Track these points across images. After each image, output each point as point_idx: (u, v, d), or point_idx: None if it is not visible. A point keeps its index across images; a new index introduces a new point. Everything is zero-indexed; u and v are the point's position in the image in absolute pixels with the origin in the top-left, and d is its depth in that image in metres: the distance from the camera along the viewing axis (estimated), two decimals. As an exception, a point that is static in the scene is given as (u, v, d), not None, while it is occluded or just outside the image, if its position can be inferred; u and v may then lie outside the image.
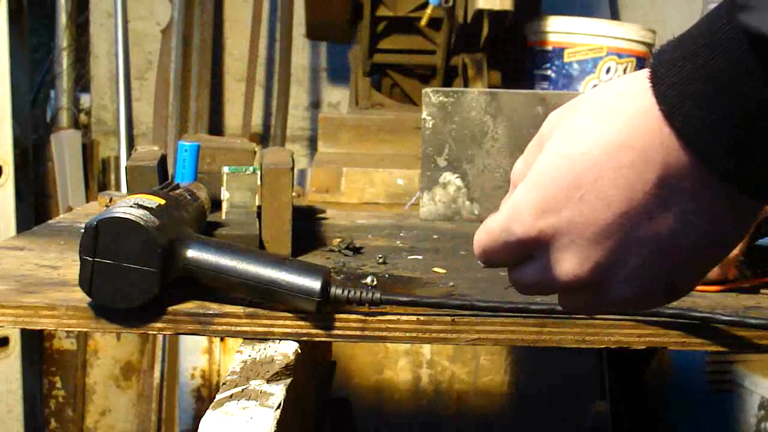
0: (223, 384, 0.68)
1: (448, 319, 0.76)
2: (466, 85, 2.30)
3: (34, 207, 2.57)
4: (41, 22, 3.37)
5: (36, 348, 2.59)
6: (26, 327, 0.75)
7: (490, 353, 1.88)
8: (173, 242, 0.73)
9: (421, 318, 0.76)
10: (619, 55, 2.23)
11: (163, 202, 0.77)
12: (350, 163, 1.94)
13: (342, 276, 0.88)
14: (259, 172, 0.95)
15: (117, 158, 2.91)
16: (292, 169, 0.96)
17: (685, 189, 0.48)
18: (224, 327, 0.76)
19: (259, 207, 0.95)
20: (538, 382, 1.89)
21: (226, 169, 0.95)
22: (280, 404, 0.65)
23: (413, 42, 2.31)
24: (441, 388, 1.89)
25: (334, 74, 2.94)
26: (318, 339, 0.77)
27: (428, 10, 2.21)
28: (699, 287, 0.87)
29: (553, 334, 0.77)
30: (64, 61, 2.99)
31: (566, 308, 0.58)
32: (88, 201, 2.75)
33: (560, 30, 2.24)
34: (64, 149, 2.82)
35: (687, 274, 0.53)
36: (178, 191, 0.85)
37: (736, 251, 0.88)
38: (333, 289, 0.74)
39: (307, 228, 1.11)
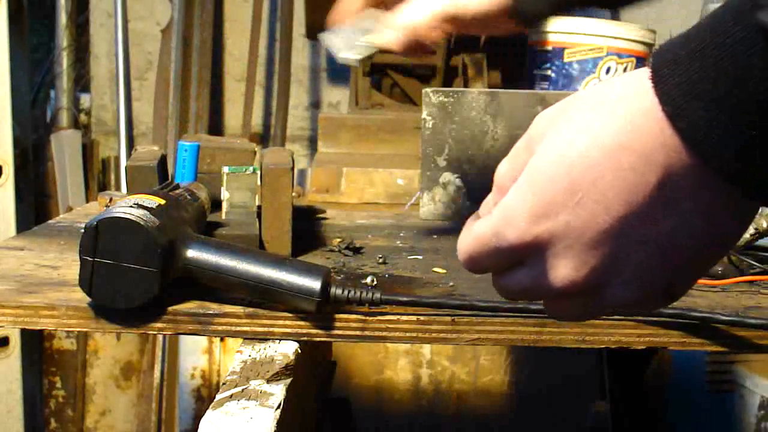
0: (223, 384, 0.68)
1: (448, 319, 0.76)
2: (466, 85, 2.30)
3: (34, 207, 2.57)
4: (41, 22, 3.37)
5: (36, 348, 2.59)
6: (26, 327, 0.75)
7: (490, 353, 1.88)
8: (173, 242, 0.73)
9: (421, 318, 0.76)
10: (619, 55, 2.23)
11: (163, 202, 0.77)
12: (350, 163, 1.94)
13: (342, 276, 0.88)
14: (259, 172, 0.95)
15: (117, 158, 2.91)
16: (292, 169, 0.96)
17: (686, 191, 0.48)
18: (224, 327, 0.76)
19: (259, 207, 0.95)
20: (538, 382, 1.89)
21: (226, 169, 0.95)
22: (280, 404, 0.65)
23: (413, 42, 2.31)
24: (441, 388, 1.89)
25: (334, 74, 2.94)
26: (318, 339, 0.77)
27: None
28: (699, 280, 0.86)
29: (553, 334, 0.77)
30: (64, 61, 2.99)
31: (555, 316, 0.56)
32: (88, 201, 2.75)
33: (560, 30, 2.24)
34: (64, 149, 2.82)
35: (684, 276, 0.52)
36: (178, 191, 0.85)
37: None
38: (333, 289, 0.74)
39: (307, 228, 1.11)
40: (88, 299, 0.73)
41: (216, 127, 2.87)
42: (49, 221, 1.13)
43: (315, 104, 2.97)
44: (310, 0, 2.24)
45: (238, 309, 0.76)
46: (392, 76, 2.42)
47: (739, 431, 1.67)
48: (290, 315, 0.76)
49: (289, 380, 0.69)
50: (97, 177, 2.92)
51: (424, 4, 0.96)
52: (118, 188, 2.85)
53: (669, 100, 0.46)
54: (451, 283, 0.87)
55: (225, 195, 0.95)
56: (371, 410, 1.88)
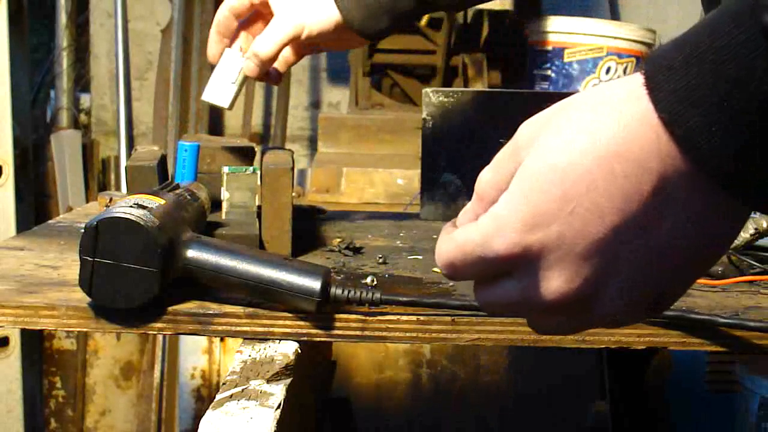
0: (223, 384, 0.68)
1: (448, 319, 0.76)
2: (466, 85, 2.30)
3: (34, 207, 2.57)
4: (41, 22, 3.37)
5: (36, 348, 2.59)
6: (26, 327, 0.75)
7: (490, 353, 1.88)
8: (173, 242, 0.73)
9: (421, 318, 0.76)
10: (619, 55, 2.23)
11: (163, 202, 0.77)
12: (350, 163, 1.94)
13: (342, 276, 0.88)
14: (259, 172, 0.95)
15: (117, 158, 2.91)
16: (292, 169, 0.96)
17: (680, 198, 0.47)
18: (224, 327, 0.76)
19: (259, 207, 0.95)
20: (538, 382, 1.89)
21: (226, 169, 0.95)
22: (280, 404, 0.65)
23: (413, 42, 2.31)
24: (441, 388, 1.89)
25: (334, 74, 2.94)
26: (318, 339, 0.77)
27: (428, 10, 2.20)
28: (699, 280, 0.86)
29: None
30: (64, 61, 2.99)
31: (541, 331, 0.55)
32: (88, 201, 2.75)
33: (560, 30, 2.24)
34: (64, 149, 2.82)
35: (675, 285, 0.51)
36: (178, 191, 0.85)
37: None
38: (333, 289, 0.74)
39: (307, 228, 1.11)
40: (88, 299, 0.73)
41: (216, 127, 2.87)
42: (49, 221, 1.13)
43: (315, 104, 2.97)
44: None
45: (238, 309, 0.76)
46: (392, 76, 2.42)
47: (739, 431, 1.67)
48: (290, 315, 0.76)
49: (289, 380, 0.69)
50: (97, 177, 2.92)
51: (272, 32, 1.02)
52: (118, 188, 2.85)
53: (665, 106, 0.46)
54: (451, 283, 0.87)
55: (225, 195, 0.95)
56: (371, 410, 1.88)
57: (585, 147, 0.47)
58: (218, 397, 0.66)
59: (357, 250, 0.99)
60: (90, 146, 2.93)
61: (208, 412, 0.63)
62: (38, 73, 3.14)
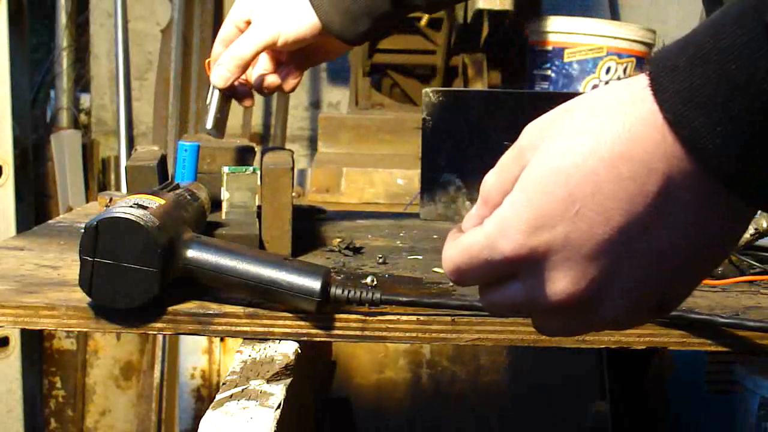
0: (223, 384, 0.68)
1: (448, 319, 0.76)
2: (466, 85, 2.30)
3: (34, 207, 2.57)
4: (41, 22, 3.37)
5: (36, 348, 2.59)
6: (26, 327, 0.75)
7: (490, 353, 1.88)
8: (173, 242, 0.73)
9: (421, 318, 0.76)
10: (619, 55, 2.23)
11: (163, 202, 0.77)
12: (350, 163, 1.94)
13: (342, 276, 0.88)
14: (259, 172, 0.95)
15: (117, 158, 2.91)
16: (292, 169, 0.96)
17: (685, 198, 0.47)
18: (224, 327, 0.76)
19: (259, 207, 0.95)
20: (538, 382, 1.89)
21: (226, 169, 0.95)
22: (280, 404, 0.65)
23: (413, 42, 2.31)
24: (441, 388, 1.89)
25: (334, 74, 2.94)
26: (318, 339, 0.77)
27: (428, 10, 2.20)
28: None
29: (553, 334, 0.76)
30: (64, 61, 2.99)
31: (544, 332, 0.55)
32: (88, 201, 2.75)
33: (560, 30, 2.24)
34: (64, 149, 2.82)
35: (678, 288, 0.51)
36: (178, 191, 0.85)
37: None
38: (333, 289, 0.74)
39: (307, 228, 1.11)
40: (88, 299, 0.73)
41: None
42: (49, 221, 1.13)
43: (315, 104, 2.97)
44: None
45: (238, 309, 0.76)
46: (392, 76, 2.42)
47: (739, 431, 1.67)
48: (290, 315, 0.76)
49: (289, 380, 0.69)
50: (97, 177, 2.93)
51: (246, 37, 1.03)
52: (118, 188, 2.85)
53: (670, 107, 0.46)
54: (451, 283, 0.86)
55: (225, 195, 0.95)
56: (371, 410, 1.88)
57: (590, 148, 0.47)
58: (218, 397, 0.66)
59: (357, 250, 0.99)
60: (90, 146, 2.93)
61: (208, 412, 0.63)
62: (38, 73, 3.14)
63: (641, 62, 2.27)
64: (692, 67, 0.45)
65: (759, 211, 0.76)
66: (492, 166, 0.54)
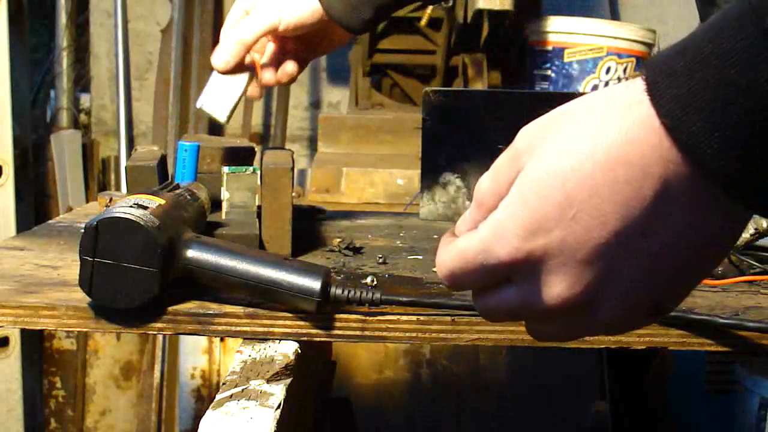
0: (223, 384, 0.68)
1: (448, 319, 0.76)
2: (466, 85, 2.30)
3: (34, 207, 2.57)
4: (41, 22, 3.37)
5: (36, 348, 2.59)
6: (26, 327, 0.75)
7: (490, 353, 1.88)
8: (173, 242, 0.73)
9: (421, 318, 0.76)
10: (619, 55, 2.23)
11: (163, 202, 0.77)
12: (350, 163, 1.94)
13: (342, 276, 0.88)
14: (259, 172, 0.95)
15: (117, 158, 2.91)
16: (292, 169, 0.96)
17: (682, 203, 0.47)
18: (224, 327, 0.76)
19: (259, 207, 0.95)
20: (538, 382, 1.89)
21: (226, 169, 0.95)
22: (280, 404, 0.65)
23: (413, 42, 2.31)
24: (441, 387, 1.89)
25: (334, 74, 2.94)
26: (318, 339, 0.77)
27: (428, 10, 2.21)
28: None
29: (553, 334, 0.76)
30: (64, 61, 2.99)
31: (539, 337, 0.55)
32: (88, 201, 2.75)
33: (560, 30, 2.24)
34: (64, 149, 2.82)
35: (675, 291, 0.51)
36: (178, 191, 0.85)
37: None
38: (333, 289, 0.74)
39: (307, 228, 1.11)
40: (88, 299, 0.73)
41: (216, 127, 2.87)
42: (49, 221, 1.13)
43: (315, 104, 2.97)
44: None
45: (238, 309, 0.76)
46: (392, 76, 2.42)
47: (739, 431, 1.67)
48: (290, 315, 0.76)
49: (289, 380, 0.69)
50: (97, 177, 2.93)
51: (249, 23, 1.03)
52: (118, 188, 2.85)
53: (667, 112, 0.45)
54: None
55: (225, 195, 0.95)
56: (371, 410, 1.88)
57: (587, 152, 0.47)
58: (218, 397, 0.66)
59: (357, 250, 0.99)
60: (90, 146, 2.93)
61: (208, 412, 0.63)
62: (38, 73, 3.14)
63: (641, 62, 2.27)
64: (690, 72, 0.45)
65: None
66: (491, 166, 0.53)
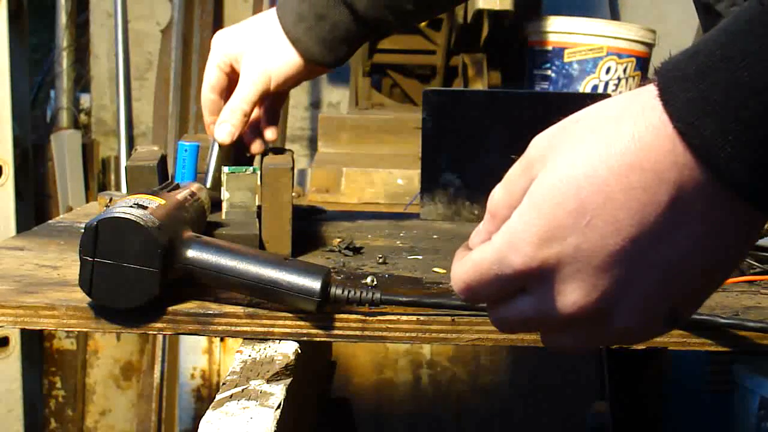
0: (223, 384, 0.68)
1: (448, 319, 0.76)
2: (466, 85, 2.30)
3: (34, 207, 2.57)
4: (41, 22, 3.37)
5: (36, 348, 2.59)
6: (26, 327, 0.75)
7: (490, 353, 1.88)
8: (173, 242, 0.73)
9: (421, 318, 0.76)
10: (619, 55, 2.23)
11: (163, 202, 0.77)
12: (350, 163, 1.94)
13: (342, 276, 0.88)
14: (259, 172, 0.95)
15: (117, 158, 2.91)
16: (292, 169, 0.96)
17: (697, 208, 0.47)
18: (224, 327, 0.76)
19: (259, 207, 0.95)
20: (538, 382, 1.89)
21: (226, 169, 0.95)
22: (280, 404, 0.65)
23: (413, 42, 2.31)
24: (441, 388, 1.89)
25: (334, 74, 2.94)
26: (318, 339, 0.77)
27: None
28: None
29: (553, 334, 0.76)
30: (64, 61, 2.99)
31: (554, 347, 0.54)
32: (88, 201, 2.75)
33: (560, 30, 2.24)
34: (64, 149, 2.82)
35: (692, 298, 0.51)
36: (178, 191, 0.85)
37: None
38: (333, 289, 0.74)
39: (307, 228, 1.11)
40: (88, 299, 0.73)
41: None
42: (49, 221, 1.13)
43: (315, 104, 2.97)
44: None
45: (238, 309, 0.76)
46: (392, 76, 2.42)
47: (739, 431, 1.67)
48: (290, 315, 0.76)
49: (289, 380, 0.69)
50: (97, 177, 2.93)
51: (243, 90, 1.03)
52: (118, 188, 2.85)
53: (681, 116, 0.45)
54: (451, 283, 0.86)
55: (225, 195, 0.95)
56: (371, 410, 1.88)
57: (600, 159, 0.47)
58: (218, 397, 0.66)
59: (357, 250, 0.99)
60: (90, 146, 2.93)
61: (208, 412, 0.63)
62: (38, 73, 3.14)
63: (641, 62, 2.27)
64: (702, 76, 0.45)
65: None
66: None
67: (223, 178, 0.95)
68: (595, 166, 0.47)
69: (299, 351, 0.75)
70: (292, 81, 1.05)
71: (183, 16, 2.71)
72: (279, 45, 1.03)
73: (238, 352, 0.74)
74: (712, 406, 1.84)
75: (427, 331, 0.77)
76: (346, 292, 0.75)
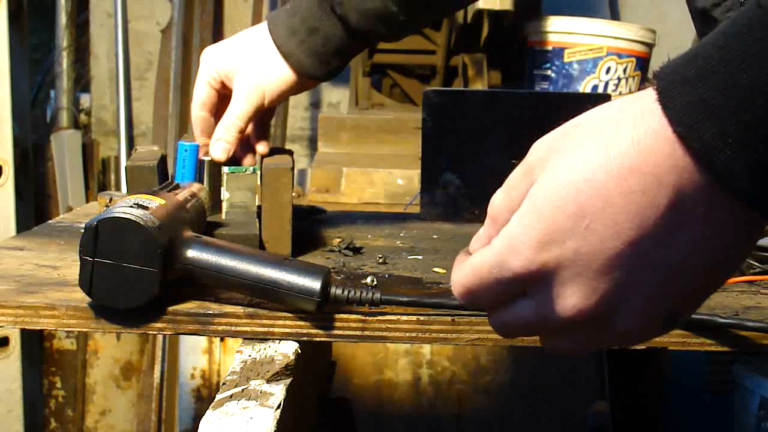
0: (223, 384, 0.68)
1: (448, 319, 0.76)
2: (466, 85, 2.30)
3: (34, 207, 2.57)
4: (41, 22, 3.37)
5: (36, 348, 2.59)
6: (26, 327, 0.75)
7: (490, 353, 1.88)
8: (173, 242, 0.73)
9: (421, 318, 0.76)
10: (619, 55, 2.23)
11: (163, 202, 0.77)
12: (350, 163, 1.94)
13: (342, 276, 0.88)
14: (259, 172, 0.95)
15: (117, 158, 2.91)
16: (292, 169, 0.96)
17: (697, 212, 0.47)
18: (224, 327, 0.76)
19: (259, 207, 0.95)
20: (538, 382, 1.89)
21: (226, 169, 0.95)
22: (280, 404, 0.65)
23: (413, 42, 2.31)
24: (441, 388, 1.89)
25: (334, 74, 2.93)
26: (318, 339, 0.77)
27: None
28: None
29: (553, 334, 0.76)
30: (64, 61, 2.99)
31: (555, 351, 0.54)
32: (88, 201, 2.75)
33: (560, 30, 2.24)
34: (64, 149, 2.82)
35: (689, 301, 0.51)
36: (178, 191, 0.85)
37: None
38: (333, 289, 0.74)
39: (307, 228, 1.11)
40: (88, 299, 0.73)
41: (216, 127, 2.87)
42: (49, 221, 1.13)
43: (315, 104, 2.97)
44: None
45: (238, 309, 0.76)
46: (392, 76, 2.43)
47: (739, 431, 1.67)
48: (290, 315, 0.76)
49: (289, 380, 0.69)
50: (97, 177, 2.93)
51: (237, 107, 1.03)
52: (118, 188, 2.85)
53: (680, 120, 0.45)
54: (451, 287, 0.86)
55: (225, 195, 0.95)
56: (371, 410, 1.88)
57: (599, 162, 0.47)
58: (218, 397, 0.66)
59: (357, 250, 0.99)
60: (90, 146, 2.93)
61: (208, 412, 0.63)
62: (38, 73, 3.14)
63: (641, 62, 2.27)
64: (701, 79, 0.45)
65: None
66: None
67: (224, 178, 0.95)
68: (594, 169, 0.47)
69: (299, 351, 0.75)
70: (286, 95, 1.05)
71: (183, 16, 2.71)
72: (271, 60, 1.03)
73: (238, 352, 0.74)
74: (712, 406, 1.84)
75: (427, 331, 0.77)
76: (346, 292, 0.75)
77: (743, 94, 0.44)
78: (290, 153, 1.07)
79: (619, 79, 2.23)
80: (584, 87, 2.21)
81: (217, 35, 2.84)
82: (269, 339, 0.76)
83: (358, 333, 0.77)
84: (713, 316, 0.77)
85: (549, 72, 2.24)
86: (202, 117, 1.06)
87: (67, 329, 0.79)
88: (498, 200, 0.52)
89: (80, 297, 0.74)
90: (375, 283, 0.85)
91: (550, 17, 2.26)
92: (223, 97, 1.06)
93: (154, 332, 0.76)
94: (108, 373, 2.71)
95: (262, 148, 1.09)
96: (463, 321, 0.76)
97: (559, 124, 0.52)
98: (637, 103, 0.48)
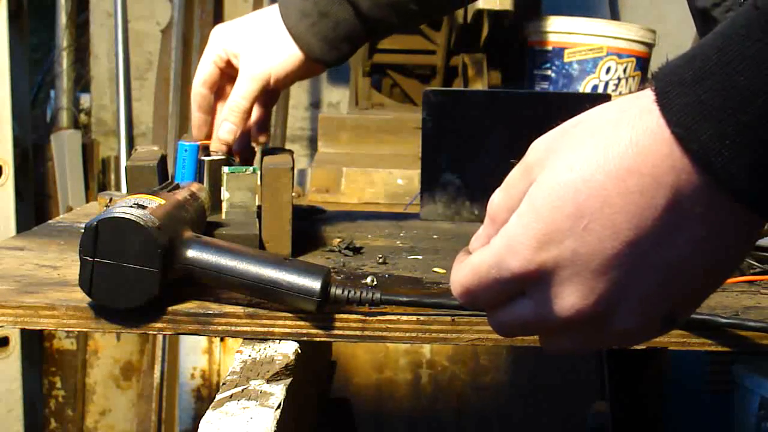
0: (223, 384, 0.68)
1: (448, 319, 0.76)
2: (466, 85, 2.30)
3: (34, 207, 2.57)
4: (41, 22, 3.37)
5: (36, 348, 2.59)
6: (26, 327, 0.75)
7: (490, 353, 1.88)
8: (173, 242, 0.73)
9: (421, 318, 0.76)
10: (619, 55, 2.23)
11: (163, 202, 0.77)
12: (350, 163, 1.94)
13: (342, 276, 0.88)
14: (259, 172, 0.95)
15: (117, 158, 2.91)
16: (292, 169, 0.96)
17: (695, 212, 0.47)
18: (224, 327, 0.76)
19: (259, 207, 0.95)
20: (538, 382, 1.89)
21: (226, 169, 0.95)
22: (280, 404, 0.65)
23: (413, 42, 2.31)
24: (441, 388, 1.89)
25: (334, 74, 2.94)
26: (318, 339, 0.77)
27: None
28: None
29: (553, 334, 0.76)
30: (64, 61, 2.99)
31: (553, 351, 0.54)
32: (88, 201, 2.75)
33: (560, 30, 2.24)
34: (64, 149, 2.82)
35: (688, 301, 0.51)
36: (178, 191, 0.85)
37: None
38: (333, 289, 0.74)
39: (307, 228, 1.11)
40: (88, 299, 0.73)
41: (216, 127, 2.86)
42: (49, 221, 1.13)
43: (315, 104, 2.97)
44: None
45: (238, 309, 0.76)
46: (392, 76, 2.42)
47: (739, 431, 1.67)
48: (290, 315, 0.76)
49: (289, 380, 0.69)
50: (97, 177, 2.92)
51: (242, 87, 1.03)
52: (118, 188, 2.85)
53: (678, 121, 0.46)
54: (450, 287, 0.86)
55: (225, 195, 0.95)
56: (371, 410, 1.88)
57: (597, 163, 0.48)
58: (218, 397, 0.66)
59: (357, 250, 0.99)
60: (90, 146, 2.93)
61: (208, 412, 0.63)
62: (38, 73, 3.14)
63: (641, 62, 2.27)
64: (699, 80, 0.45)
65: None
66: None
67: (223, 178, 0.95)
68: (592, 170, 0.48)
69: (299, 351, 0.75)
70: (292, 78, 1.05)
71: (183, 16, 2.71)
72: (280, 41, 1.03)
73: (238, 352, 0.74)
74: (712, 406, 1.84)
75: (427, 331, 0.77)
76: (346, 292, 0.75)
77: (741, 96, 0.44)
78: (290, 153, 1.07)
79: (619, 79, 2.23)
80: (584, 87, 2.21)
81: (217, 35, 2.83)
82: (269, 339, 0.76)
83: (358, 333, 0.77)
84: (713, 316, 0.77)
85: (549, 72, 2.24)
86: (202, 93, 1.06)
87: (67, 329, 0.79)
88: (497, 200, 0.53)
89: (80, 297, 0.74)
90: (375, 283, 0.85)
91: (550, 17, 2.26)
92: (226, 76, 1.06)
93: (154, 332, 0.76)
94: (108, 373, 2.71)
95: (262, 139, 1.09)
96: (463, 321, 0.76)
97: (559, 124, 0.52)
98: (636, 103, 0.48)
